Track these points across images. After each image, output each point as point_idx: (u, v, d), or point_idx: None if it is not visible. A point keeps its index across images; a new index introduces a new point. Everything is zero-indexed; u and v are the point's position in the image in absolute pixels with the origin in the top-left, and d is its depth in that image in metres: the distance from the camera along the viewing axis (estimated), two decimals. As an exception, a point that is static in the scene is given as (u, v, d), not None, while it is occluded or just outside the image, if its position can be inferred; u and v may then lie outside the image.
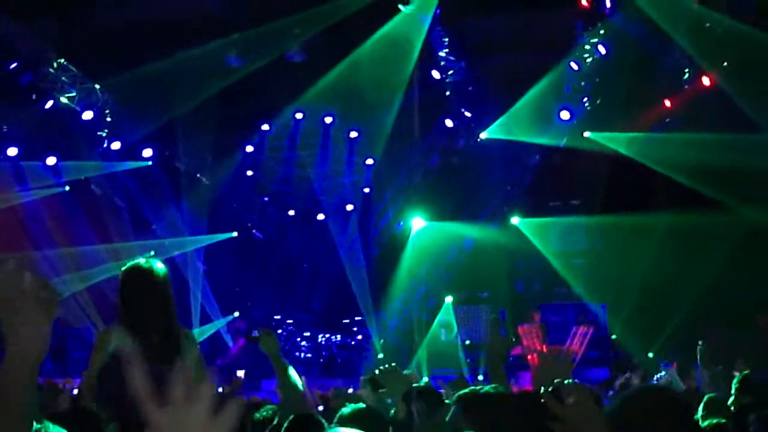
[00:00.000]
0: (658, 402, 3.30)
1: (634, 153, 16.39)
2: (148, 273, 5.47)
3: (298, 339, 20.00)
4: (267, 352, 5.61)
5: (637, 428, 3.16)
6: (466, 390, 3.67)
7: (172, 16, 14.91)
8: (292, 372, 5.66)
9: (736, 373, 7.12)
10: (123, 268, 5.55)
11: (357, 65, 15.79)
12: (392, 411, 5.67)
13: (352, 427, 4.08)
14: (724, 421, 5.42)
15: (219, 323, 19.61)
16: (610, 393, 10.79)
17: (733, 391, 6.46)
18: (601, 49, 15.37)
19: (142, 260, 5.56)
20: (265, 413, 6.57)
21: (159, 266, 5.59)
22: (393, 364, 6.23)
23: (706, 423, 5.38)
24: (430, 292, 19.62)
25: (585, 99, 16.38)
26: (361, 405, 5.09)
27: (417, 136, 17.69)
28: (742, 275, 14.50)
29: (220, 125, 17.89)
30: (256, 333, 5.74)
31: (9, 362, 2.13)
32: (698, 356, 8.08)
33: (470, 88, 16.91)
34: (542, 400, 2.87)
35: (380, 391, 6.46)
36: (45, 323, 2.16)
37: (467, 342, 18.91)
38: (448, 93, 16.96)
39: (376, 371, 6.18)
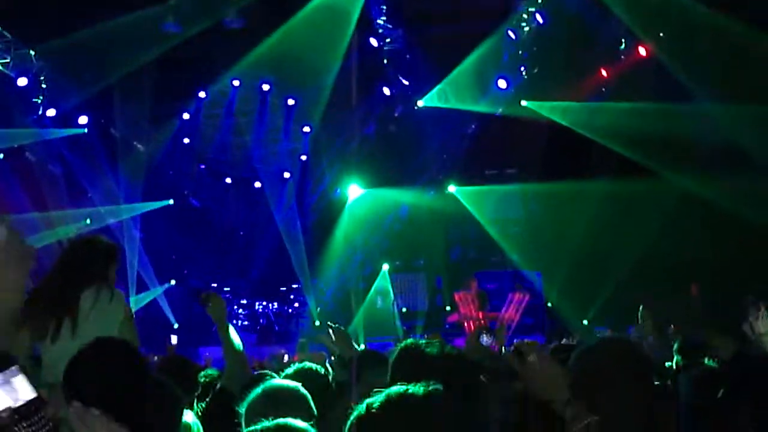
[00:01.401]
0: (618, 350, 3.40)
1: (571, 122, 16.58)
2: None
3: (236, 307, 19.96)
4: (214, 316, 5.66)
5: (598, 377, 3.25)
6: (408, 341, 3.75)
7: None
8: (234, 335, 5.72)
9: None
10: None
11: (295, 32, 15.73)
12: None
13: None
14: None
15: (156, 291, 19.52)
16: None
17: (674, 354, 6.66)
18: (539, 18, 15.49)
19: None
20: (206, 378, 6.59)
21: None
22: (342, 327, 6.37)
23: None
24: (366, 259, 19.69)
25: (522, 68, 16.50)
26: (305, 364, 5.16)
27: (354, 104, 17.69)
28: (676, 242, 14.77)
29: (157, 92, 17.73)
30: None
31: None
32: (639, 319, 8.22)
33: (408, 56, 16.96)
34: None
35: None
36: (21, 275, 2.21)
37: (404, 309, 19.06)
38: (385, 61, 17.00)
39: (330, 327, 6.31)
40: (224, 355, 5.76)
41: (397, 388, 2.49)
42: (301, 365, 5.11)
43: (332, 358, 6.87)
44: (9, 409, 1.95)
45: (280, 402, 3.83)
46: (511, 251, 18.37)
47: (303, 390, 4.08)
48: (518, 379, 3.07)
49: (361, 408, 2.50)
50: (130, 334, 5.64)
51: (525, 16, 15.60)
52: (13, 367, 1.98)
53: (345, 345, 6.30)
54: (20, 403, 1.96)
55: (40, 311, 5.37)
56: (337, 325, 6.41)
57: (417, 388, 2.48)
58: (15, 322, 2.22)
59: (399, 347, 3.71)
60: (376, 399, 2.47)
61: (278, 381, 4.35)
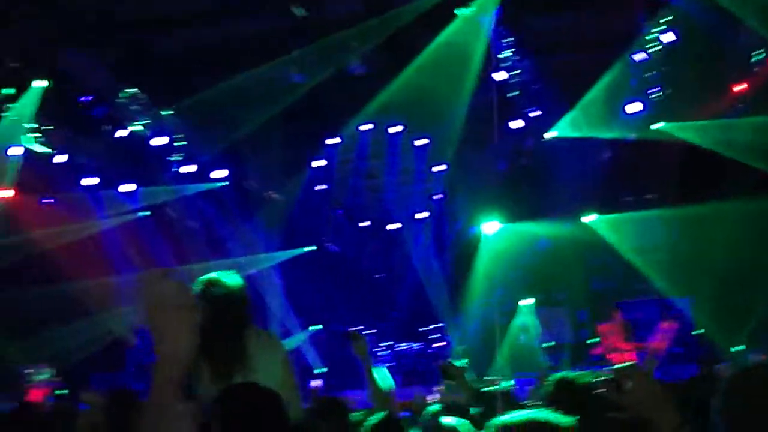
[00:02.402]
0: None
1: (706, 141, 16.12)
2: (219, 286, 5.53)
3: (378, 349, 20.00)
4: (359, 354, 5.74)
5: (749, 402, 3.07)
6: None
7: (234, 38, 15.11)
8: (386, 375, 5.79)
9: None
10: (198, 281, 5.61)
11: (420, 72, 15.76)
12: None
13: None
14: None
15: (299, 337, 19.72)
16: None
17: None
18: (666, 38, 15.09)
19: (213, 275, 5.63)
20: (359, 416, 6.64)
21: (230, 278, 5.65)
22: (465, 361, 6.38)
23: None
24: (507, 295, 19.45)
25: (652, 90, 16.12)
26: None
27: (485, 140, 17.58)
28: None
29: (287, 142, 18.04)
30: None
31: (159, 365, 2.37)
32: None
33: (535, 88, 16.76)
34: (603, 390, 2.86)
35: (446, 381, 6.69)
36: (188, 329, 2.38)
37: (547, 344, 18.75)
38: (513, 94, 16.82)
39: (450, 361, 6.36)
40: (369, 392, 5.86)
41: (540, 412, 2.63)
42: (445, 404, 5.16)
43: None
44: None
45: None
46: (655, 278, 17.88)
47: (471, 427, 4.10)
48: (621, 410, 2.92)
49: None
50: (291, 374, 5.70)
51: (651, 37, 15.23)
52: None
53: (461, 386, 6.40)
54: None
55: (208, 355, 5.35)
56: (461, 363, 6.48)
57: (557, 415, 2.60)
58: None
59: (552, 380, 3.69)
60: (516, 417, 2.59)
61: (448, 419, 4.38)
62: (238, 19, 14.61)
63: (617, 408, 2.96)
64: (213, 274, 5.69)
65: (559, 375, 4.00)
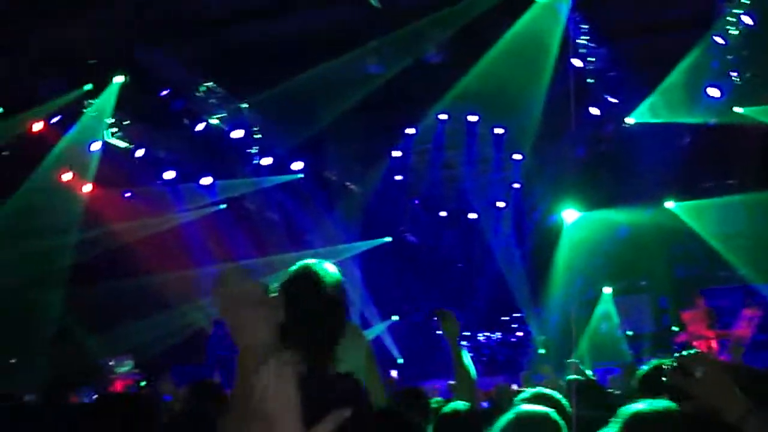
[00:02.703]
0: None
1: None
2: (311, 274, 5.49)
3: (458, 339, 20.00)
4: (447, 333, 5.73)
5: None
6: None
7: (308, 29, 15.15)
8: (468, 361, 5.75)
9: None
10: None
11: (497, 61, 15.66)
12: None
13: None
14: None
15: (379, 328, 19.81)
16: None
17: None
18: (746, 20, 14.81)
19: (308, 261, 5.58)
20: (436, 403, 6.68)
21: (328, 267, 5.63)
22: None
23: None
24: (588, 284, 19.33)
25: (733, 73, 15.83)
26: (541, 390, 5.11)
27: (564, 128, 17.45)
28: None
29: (365, 133, 18.10)
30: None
31: (241, 357, 2.38)
32: None
33: (613, 73, 16.58)
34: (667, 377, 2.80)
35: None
36: (267, 325, 2.40)
37: (629, 332, 18.58)
38: (590, 80, 16.66)
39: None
40: (455, 373, 5.83)
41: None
42: (538, 390, 5.07)
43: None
44: None
45: (532, 427, 3.81)
46: (738, 265, 17.60)
47: (555, 415, 4.03)
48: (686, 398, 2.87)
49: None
50: (374, 364, 5.71)
51: (731, 19, 14.94)
52: None
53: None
54: None
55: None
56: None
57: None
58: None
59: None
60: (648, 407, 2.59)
61: (530, 406, 4.30)
62: (315, 10, 14.63)
63: (687, 396, 2.91)
64: (307, 261, 5.65)
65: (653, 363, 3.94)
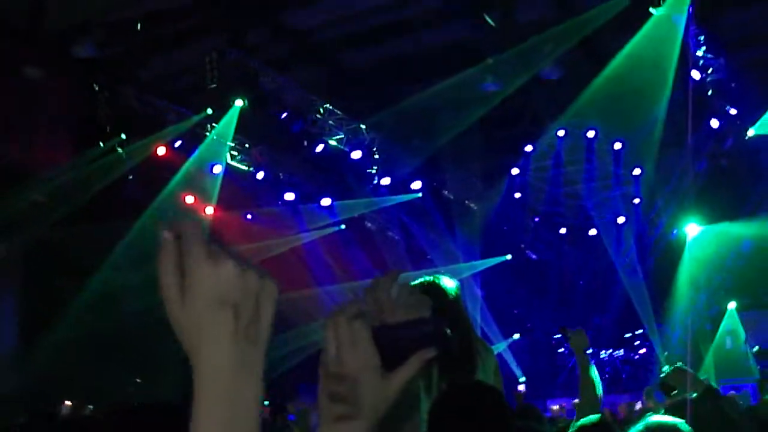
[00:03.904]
0: None
1: None
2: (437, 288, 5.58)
3: (586, 352, 19.87)
4: (576, 348, 5.75)
5: None
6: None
7: (424, 48, 15.35)
8: (596, 377, 5.74)
9: None
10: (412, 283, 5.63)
11: (615, 75, 15.61)
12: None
13: None
14: None
15: (500, 346, 19.81)
16: None
17: None
18: None
19: (428, 276, 5.65)
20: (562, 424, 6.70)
21: (447, 282, 5.70)
22: (679, 363, 6.21)
23: None
24: (711, 299, 19.00)
25: None
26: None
27: (684, 141, 17.26)
28: None
29: (484, 151, 18.21)
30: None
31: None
32: None
33: (733, 85, 16.36)
34: None
35: (672, 394, 6.41)
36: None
37: (755, 348, 18.19)
38: (710, 92, 16.47)
39: (662, 374, 6.19)
40: (580, 387, 5.80)
41: None
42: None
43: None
44: None
45: None
46: None
47: (685, 426, 4.02)
48: None
49: None
50: (500, 381, 5.77)
51: None
52: None
53: (688, 382, 6.11)
54: None
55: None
56: (671, 367, 6.28)
57: None
58: None
59: None
60: None
61: (660, 417, 4.30)
62: (430, 29, 14.82)
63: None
64: (428, 276, 5.72)
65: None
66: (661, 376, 6.30)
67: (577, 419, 5.55)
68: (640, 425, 3.94)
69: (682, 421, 4.01)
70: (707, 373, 17.27)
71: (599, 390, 5.67)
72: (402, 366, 1.79)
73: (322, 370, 1.97)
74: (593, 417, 5.15)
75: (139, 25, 13.72)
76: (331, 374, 1.94)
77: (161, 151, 16.38)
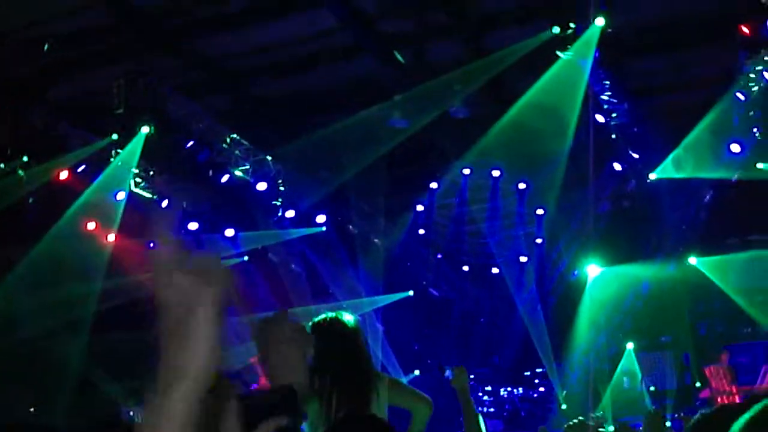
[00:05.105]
0: None
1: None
2: (337, 323, 5.63)
3: (480, 394, 19.95)
4: (458, 387, 5.75)
5: None
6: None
7: (334, 82, 15.34)
8: (480, 422, 5.76)
9: None
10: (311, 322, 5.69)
11: (520, 116, 15.77)
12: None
13: None
14: None
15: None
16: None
17: None
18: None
19: (330, 313, 5.71)
20: None
21: (347, 318, 5.74)
22: (580, 418, 6.27)
23: None
24: (610, 339, 19.32)
25: (755, 129, 15.88)
26: None
27: (586, 183, 17.52)
28: None
29: (389, 186, 18.21)
30: (448, 372, 5.90)
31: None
32: None
33: (635, 129, 16.68)
34: None
35: None
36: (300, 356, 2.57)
37: (652, 388, 18.51)
38: (613, 136, 16.76)
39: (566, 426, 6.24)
40: (465, 424, 5.82)
41: None
42: None
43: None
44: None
45: None
46: (763, 321, 17.53)
47: None
48: None
49: None
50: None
51: (753, 75, 15.03)
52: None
53: None
54: None
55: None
56: (574, 422, 6.36)
57: None
58: None
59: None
60: None
61: None
62: (340, 64, 14.82)
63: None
64: (330, 313, 5.79)
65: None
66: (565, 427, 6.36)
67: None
68: None
69: None
70: (604, 410, 17.52)
71: (483, 429, 5.73)
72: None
73: None
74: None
75: (46, 46, 13.44)
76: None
77: (63, 175, 16.04)
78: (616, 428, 11.79)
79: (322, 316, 5.64)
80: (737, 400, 15.72)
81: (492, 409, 19.97)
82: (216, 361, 1.88)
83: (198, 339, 1.79)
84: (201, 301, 1.76)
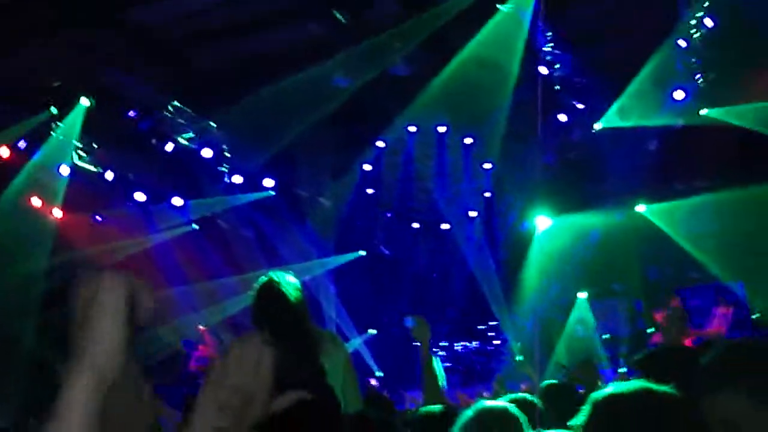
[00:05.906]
0: None
1: (755, 123, 15.89)
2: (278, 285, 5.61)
3: (435, 349, 19.98)
4: (419, 338, 5.76)
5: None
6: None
7: (273, 45, 15.16)
8: (439, 369, 5.78)
9: None
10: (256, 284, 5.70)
11: (462, 71, 15.70)
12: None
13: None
14: None
15: (356, 342, 19.78)
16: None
17: None
18: (708, 22, 14.92)
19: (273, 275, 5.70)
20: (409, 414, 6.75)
21: (289, 279, 5.73)
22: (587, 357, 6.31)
23: None
24: (562, 289, 19.39)
25: (697, 75, 15.92)
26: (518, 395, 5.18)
27: (532, 135, 17.49)
28: None
29: (335, 147, 18.12)
30: (409, 321, 5.90)
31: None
32: None
33: (579, 80, 16.67)
34: None
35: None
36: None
37: (605, 336, 18.64)
38: (557, 87, 16.72)
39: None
40: (423, 379, 5.85)
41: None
42: (515, 396, 5.15)
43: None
44: None
45: (492, 422, 3.86)
46: (711, 264, 17.66)
47: (514, 409, 4.10)
48: None
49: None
50: (353, 373, 5.78)
51: (693, 22, 15.04)
52: None
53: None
54: None
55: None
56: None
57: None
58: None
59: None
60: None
61: (490, 402, 4.37)
62: (279, 26, 14.64)
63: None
64: (270, 275, 5.78)
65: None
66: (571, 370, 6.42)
67: (425, 404, 5.60)
68: (471, 411, 3.98)
69: (513, 405, 4.08)
70: (559, 360, 17.63)
71: (441, 380, 5.76)
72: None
73: (214, 381, 1.98)
74: (435, 407, 5.19)
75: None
76: (227, 386, 1.97)
77: (4, 152, 15.78)
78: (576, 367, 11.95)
79: (261, 279, 5.87)
80: (689, 344, 15.86)
81: (448, 364, 20.02)
82: (120, 358, 2.03)
83: (102, 332, 1.99)
84: (104, 296, 1.80)
